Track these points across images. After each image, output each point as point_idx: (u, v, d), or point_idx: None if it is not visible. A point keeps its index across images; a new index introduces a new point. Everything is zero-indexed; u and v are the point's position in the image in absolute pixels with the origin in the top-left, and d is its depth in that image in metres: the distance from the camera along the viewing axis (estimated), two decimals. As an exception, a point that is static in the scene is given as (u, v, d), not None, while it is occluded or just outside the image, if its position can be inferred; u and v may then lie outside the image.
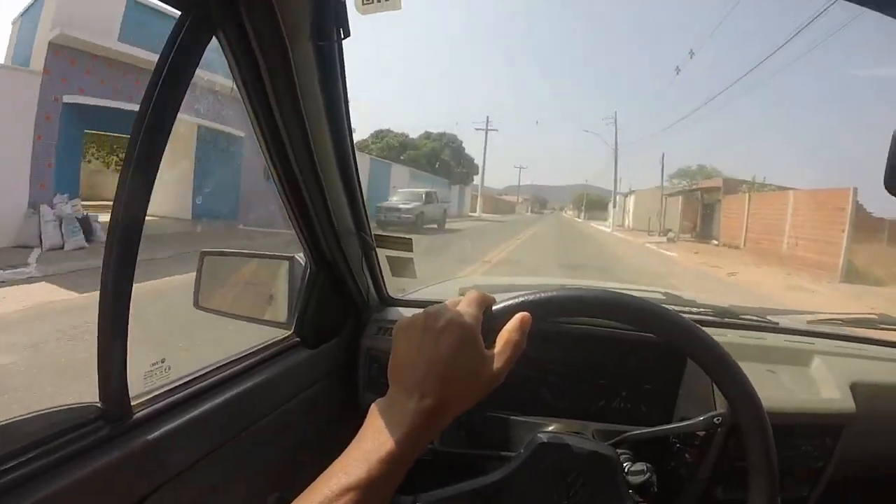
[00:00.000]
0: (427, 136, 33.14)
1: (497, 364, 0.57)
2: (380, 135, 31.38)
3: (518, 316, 0.60)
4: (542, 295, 0.64)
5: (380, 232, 1.12)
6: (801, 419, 1.03)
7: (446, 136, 33.53)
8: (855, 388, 1.09)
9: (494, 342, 0.59)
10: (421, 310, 0.59)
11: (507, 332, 0.59)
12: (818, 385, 1.10)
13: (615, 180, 34.77)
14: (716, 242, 19.55)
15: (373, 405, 0.55)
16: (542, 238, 19.34)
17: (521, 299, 0.63)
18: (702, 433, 0.90)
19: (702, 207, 23.22)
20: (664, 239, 21.28)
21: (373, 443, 0.51)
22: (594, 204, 65.51)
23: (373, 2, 0.66)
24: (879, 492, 1.32)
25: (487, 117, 45.67)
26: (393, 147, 30.47)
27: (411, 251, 1.16)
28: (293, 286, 1.06)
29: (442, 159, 32.12)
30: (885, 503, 1.35)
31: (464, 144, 33.80)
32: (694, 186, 25.25)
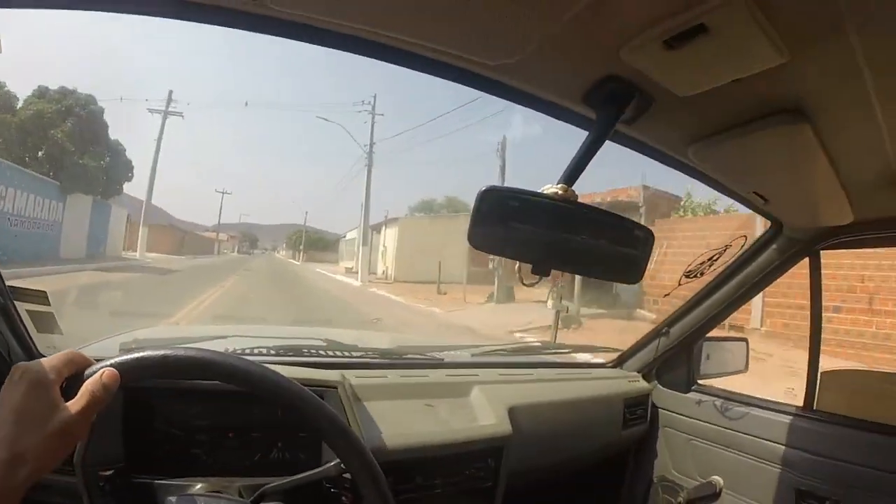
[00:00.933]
0: (41, 93, 15.76)
1: (70, 413, 0.57)
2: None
3: (101, 371, 0.62)
4: (130, 356, 0.65)
5: (16, 283, 1.01)
6: (459, 447, 1.13)
7: (76, 96, 16.22)
8: (513, 411, 1.23)
9: None
10: None
11: (87, 384, 0.60)
12: (476, 413, 1.22)
13: (367, 195, 21.79)
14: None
15: None
16: (235, 307, 10.26)
17: (111, 361, 0.64)
18: (347, 475, 0.93)
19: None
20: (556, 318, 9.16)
21: None
22: (315, 243, 55.68)
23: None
24: (562, 494, 1.54)
25: (170, 91, 24.67)
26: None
27: (49, 304, 1.09)
28: None
29: (53, 138, 15.06)
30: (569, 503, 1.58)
31: (108, 120, 16.97)
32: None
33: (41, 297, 1.09)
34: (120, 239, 20.14)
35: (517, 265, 0.64)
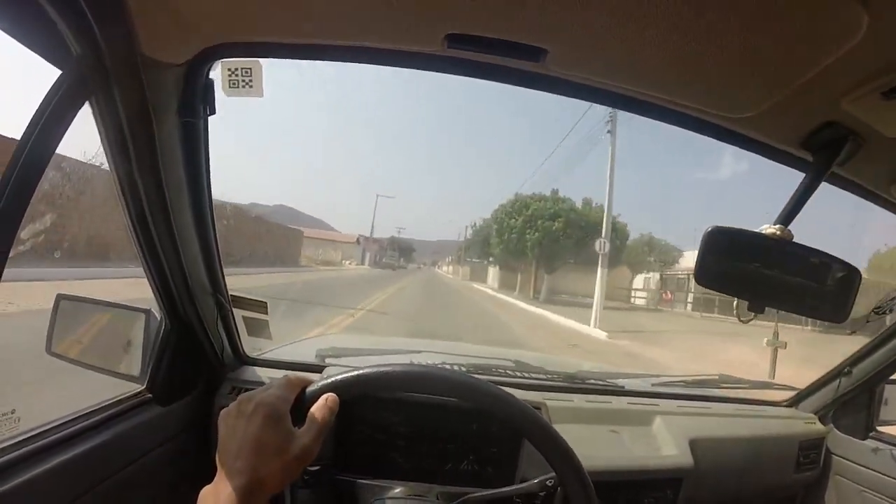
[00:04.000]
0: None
1: (304, 441, 0.62)
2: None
3: (324, 397, 0.66)
4: (349, 374, 0.69)
5: (236, 293, 1.14)
6: (641, 475, 1.15)
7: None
8: (694, 444, 1.23)
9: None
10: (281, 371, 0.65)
11: (314, 410, 0.65)
12: (658, 443, 1.23)
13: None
14: None
15: (202, 491, 0.59)
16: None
17: (330, 380, 0.68)
18: (542, 493, 0.96)
19: None
20: None
21: None
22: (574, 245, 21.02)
23: (238, 87, 0.72)
24: None
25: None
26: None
27: (266, 313, 1.19)
28: (148, 340, 1.04)
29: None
30: None
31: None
32: None
33: (261, 306, 1.20)
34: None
35: (735, 302, 0.67)
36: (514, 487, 0.95)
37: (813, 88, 0.59)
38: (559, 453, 0.72)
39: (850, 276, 0.70)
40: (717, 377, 1.61)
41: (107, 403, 0.95)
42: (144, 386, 1.03)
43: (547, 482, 0.90)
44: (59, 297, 1.05)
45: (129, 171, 0.77)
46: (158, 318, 1.04)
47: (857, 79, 0.57)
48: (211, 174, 0.86)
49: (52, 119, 0.62)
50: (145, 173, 0.79)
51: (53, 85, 0.62)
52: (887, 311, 1.27)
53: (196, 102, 0.75)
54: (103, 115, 0.71)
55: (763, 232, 0.65)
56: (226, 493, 0.56)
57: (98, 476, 0.84)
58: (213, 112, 0.77)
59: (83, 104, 0.66)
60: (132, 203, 0.82)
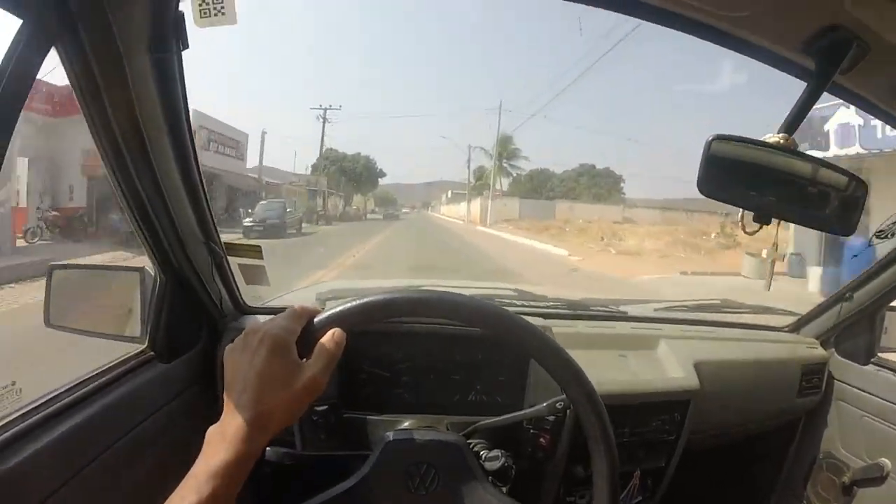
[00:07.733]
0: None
1: (312, 372, 0.60)
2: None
3: (331, 331, 0.64)
4: (357, 303, 0.67)
5: (229, 240, 1.12)
6: (649, 397, 1.17)
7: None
8: (699, 367, 1.25)
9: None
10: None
11: (322, 343, 0.63)
12: (664, 366, 1.25)
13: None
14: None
15: (208, 431, 0.58)
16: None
17: (339, 309, 0.66)
18: (552, 417, 0.98)
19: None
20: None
21: (203, 465, 0.55)
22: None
23: (210, 16, 0.68)
24: (729, 457, 1.53)
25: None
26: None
27: (262, 258, 1.17)
28: (145, 299, 1.03)
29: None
30: (734, 467, 1.57)
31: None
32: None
33: (255, 251, 1.17)
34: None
35: (740, 213, 0.66)
36: (523, 412, 0.97)
37: None
38: (570, 374, 0.70)
39: (857, 187, 0.68)
40: (718, 302, 1.63)
41: (106, 367, 0.94)
42: (146, 345, 1.02)
43: (556, 405, 0.91)
44: (52, 267, 1.04)
45: (105, 116, 0.74)
46: (153, 275, 1.03)
47: None
48: (190, 113, 0.82)
49: (17, 72, 0.58)
50: (121, 117, 0.75)
51: (16, 35, 0.58)
52: (888, 236, 1.26)
53: (168, 36, 0.71)
54: (72, 61, 0.67)
55: (767, 140, 0.63)
56: (233, 429, 0.55)
57: (106, 440, 0.84)
58: (186, 46, 0.73)
59: (48, 51, 0.63)
60: (111, 151, 0.79)
